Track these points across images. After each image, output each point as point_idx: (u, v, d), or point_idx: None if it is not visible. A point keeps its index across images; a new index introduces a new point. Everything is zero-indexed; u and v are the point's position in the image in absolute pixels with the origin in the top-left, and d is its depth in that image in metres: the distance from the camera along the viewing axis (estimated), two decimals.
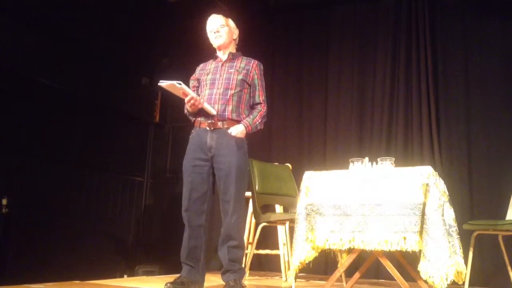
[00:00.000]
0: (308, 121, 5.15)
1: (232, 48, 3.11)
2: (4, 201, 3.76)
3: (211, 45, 3.14)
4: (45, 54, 4.28)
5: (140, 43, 5.15)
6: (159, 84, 2.85)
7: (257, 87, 3.05)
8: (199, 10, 3.15)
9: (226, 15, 3.16)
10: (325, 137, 5.01)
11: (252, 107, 3.06)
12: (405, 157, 4.47)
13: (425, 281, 2.48)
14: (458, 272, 2.47)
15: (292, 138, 5.19)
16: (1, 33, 3.89)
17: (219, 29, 3.04)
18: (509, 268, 3.22)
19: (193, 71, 3.19)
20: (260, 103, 3.05)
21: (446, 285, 2.37)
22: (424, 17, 4.69)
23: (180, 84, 2.79)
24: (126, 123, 5.27)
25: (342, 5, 5.20)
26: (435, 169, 2.77)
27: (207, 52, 3.23)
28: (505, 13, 4.38)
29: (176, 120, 5.49)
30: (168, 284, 2.75)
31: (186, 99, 2.88)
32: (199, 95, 3.02)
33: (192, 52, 3.20)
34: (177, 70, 4.91)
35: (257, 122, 3.00)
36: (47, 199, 4.17)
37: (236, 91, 2.96)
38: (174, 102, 2.92)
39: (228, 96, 2.94)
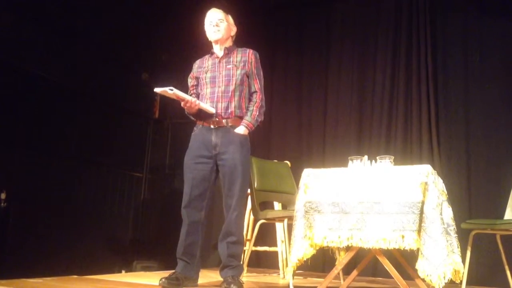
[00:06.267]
0: (308, 118, 5.15)
1: (228, 44, 3.09)
2: (3, 195, 3.77)
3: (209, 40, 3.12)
4: (44, 48, 4.27)
5: (140, 38, 5.15)
6: (154, 90, 2.84)
7: (253, 76, 3.02)
8: (199, 6, 3.14)
9: (226, 11, 3.14)
10: (324, 135, 5.01)
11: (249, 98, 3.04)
12: (404, 156, 4.47)
13: (423, 280, 2.47)
14: (455, 271, 2.47)
15: (291, 135, 5.19)
16: (1, 27, 3.88)
17: (218, 24, 3.02)
18: (506, 267, 3.22)
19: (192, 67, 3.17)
20: (256, 91, 3.02)
21: (443, 284, 2.37)
22: (425, 16, 4.68)
23: (172, 90, 2.75)
24: (125, 118, 5.27)
25: (342, 3, 5.20)
26: (434, 168, 2.76)
27: (206, 48, 3.21)
28: (505, 12, 4.38)
29: (176, 116, 5.48)
30: (163, 279, 2.77)
31: (182, 104, 2.87)
32: (199, 94, 3.03)
33: (192, 47, 3.18)
34: (177, 66, 4.90)
35: (256, 116, 2.97)
36: (45, 194, 4.17)
37: (237, 86, 2.95)
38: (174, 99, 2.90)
39: (230, 94, 2.93)
